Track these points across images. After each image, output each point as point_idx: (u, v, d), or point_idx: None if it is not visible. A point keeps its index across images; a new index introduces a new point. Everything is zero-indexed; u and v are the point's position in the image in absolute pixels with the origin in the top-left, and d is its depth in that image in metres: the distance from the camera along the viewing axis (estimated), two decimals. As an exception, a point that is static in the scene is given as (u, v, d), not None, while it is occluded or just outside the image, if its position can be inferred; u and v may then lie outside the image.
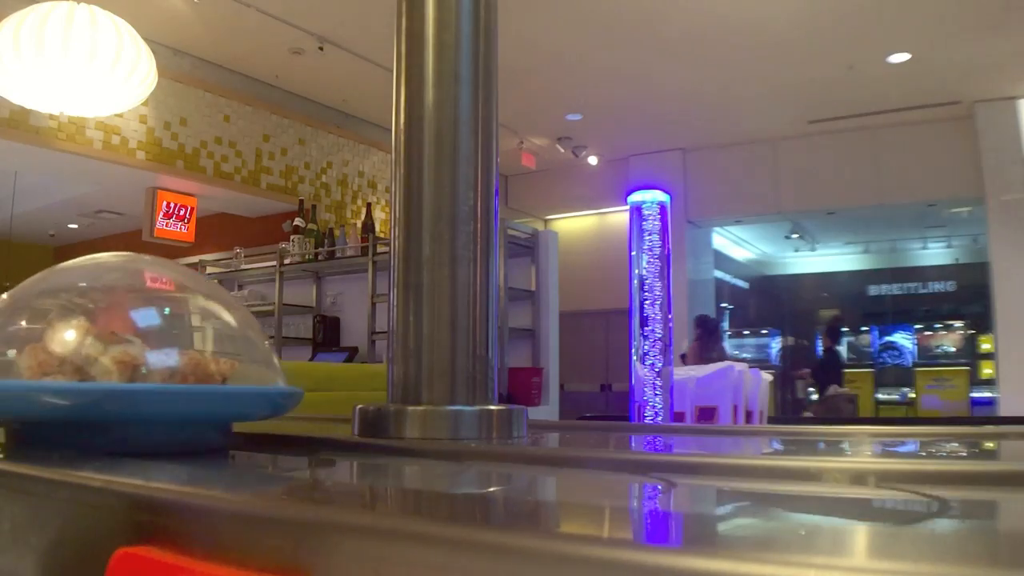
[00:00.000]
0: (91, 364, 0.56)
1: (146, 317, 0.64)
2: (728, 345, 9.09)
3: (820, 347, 8.14)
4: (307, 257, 5.04)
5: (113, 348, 0.57)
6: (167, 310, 0.66)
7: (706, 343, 5.79)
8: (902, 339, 9.04)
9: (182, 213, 5.43)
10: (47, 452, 0.54)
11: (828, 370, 7.00)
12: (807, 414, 6.66)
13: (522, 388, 4.19)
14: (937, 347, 8.81)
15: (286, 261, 5.11)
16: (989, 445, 0.74)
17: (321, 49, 5.05)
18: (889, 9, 4.61)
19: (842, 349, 7.07)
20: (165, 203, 5.33)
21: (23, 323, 0.63)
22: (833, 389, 6.74)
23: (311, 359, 4.75)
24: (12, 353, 0.59)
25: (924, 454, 0.67)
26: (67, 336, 0.57)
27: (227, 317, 0.68)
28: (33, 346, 0.57)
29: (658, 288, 2.92)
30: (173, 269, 0.71)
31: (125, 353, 0.56)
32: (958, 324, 8.77)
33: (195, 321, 0.67)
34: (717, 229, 8.24)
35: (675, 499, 0.42)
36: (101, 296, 0.65)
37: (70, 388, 0.55)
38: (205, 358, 0.60)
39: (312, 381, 2.75)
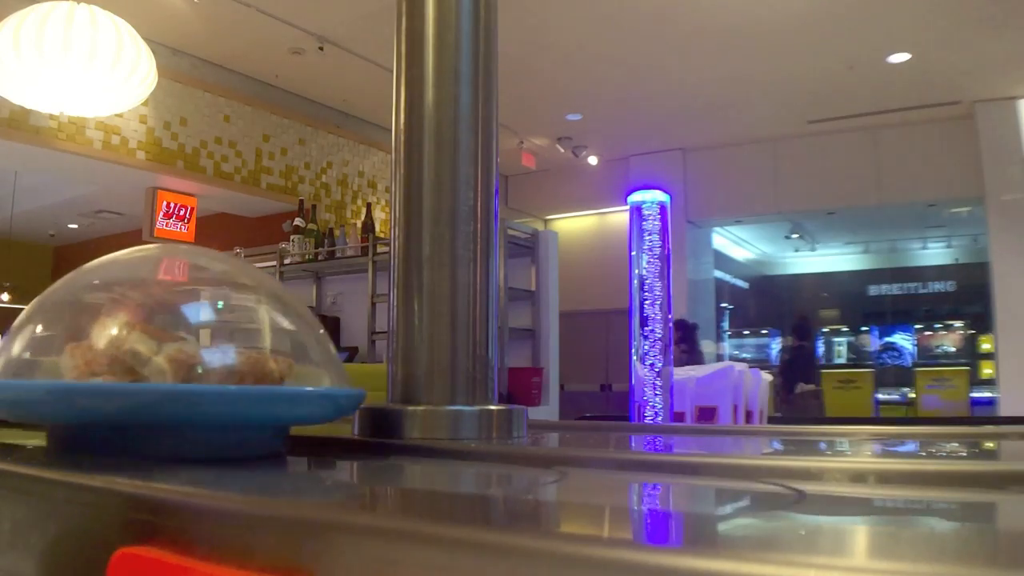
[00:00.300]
0: (143, 363, 0.51)
1: (199, 312, 0.59)
2: (728, 345, 9.09)
3: (788, 347, 8.18)
4: (307, 257, 5.04)
5: (167, 346, 0.52)
6: (220, 304, 0.61)
7: (683, 347, 5.80)
8: (902, 339, 9.04)
9: (182, 213, 5.43)
10: (91, 458, 0.51)
11: (795, 368, 7.06)
12: (776, 413, 6.71)
13: (522, 388, 4.19)
14: (937, 347, 8.80)
15: (286, 261, 5.11)
16: (989, 445, 0.74)
17: (321, 49, 5.05)
18: (889, 9, 4.61)
19: (808, 347, 7.10)
20: (165, 203, 5.33)
21: (66, 320, 0.58)
22: (800, 387, 6.79)
23: (311, 359, 4.74)
24: (33, 352, 0.56)
25: (924, 454, 0.67)
26: (116, 333, 0.53)
27: (283, 312, 0.62)
28: (78, 344, 0.53)
29: (658, 288, 2.92)
30: (224, 261, 0.66)
31: (180, 351, 0.52)
32: (958, 324, 8.77)
33: (250, 316, 0.61)
34: (717, 229, 8.24)
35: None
36: (150, 290, 0.60)
37: (126, 389, 0.50)
38: (263, 356, 0.55)
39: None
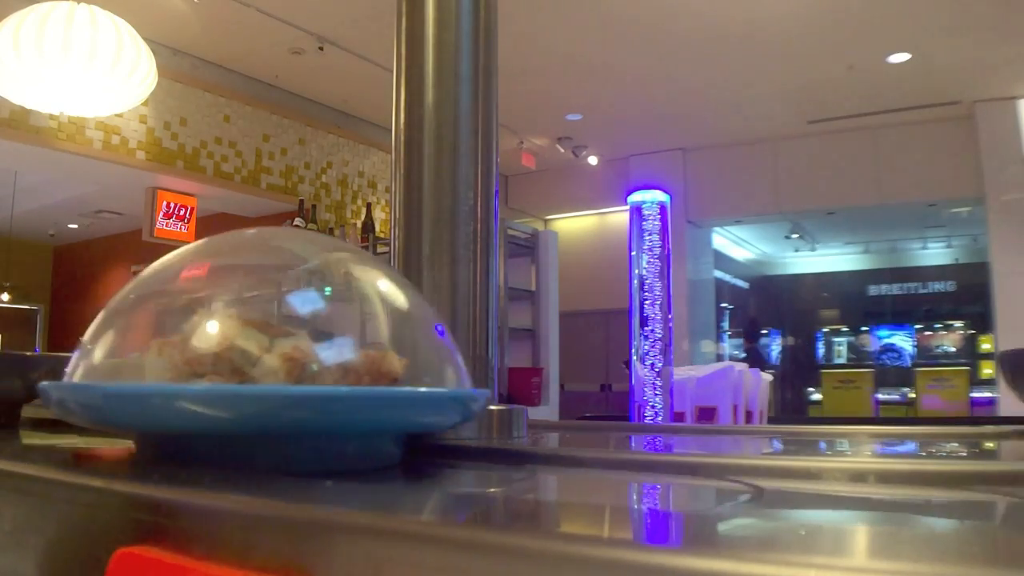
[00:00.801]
0: (252, 363, 0.44)
1: (305, 302, 0.52)
2: (728, 345, 9.10)
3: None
4: (307, 257, 5.02)
5: (279, 342, 0.45)
6: (328, 291, 0.54)
7: None
8: (902, 339, 9.05)
9: (182, 213, 5.44)
10: (186, 470, 0.44)
11: None
12: None
13: (522, 388, 4.19)
14: (937, 347, 8.81)
15: (286, 261, 5.10)
16: (989, 445, 0.74)
17: (321, 49, 5.05)
18: (889, 9, 4.61)
19: (756, 348, 7.05)
20: (165, 203, 5.34)
21: (154, 316, 0.51)
22: None
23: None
24: (120, 353, 0.49)
25: (924, 454, 0.67)
26: (218, 328, 0.45)
27: (397, 301, 0.54)
28: (167, 341, 0.46)
29: (658, 288, 2.92)
30: (331, 244, 0.58)
31: (296, 349, 0.45)
32: (958, 324, 8.78)
33: (363, 307, 0.54)
34: (717, 229, 8.25)
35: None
36: (247, 278, 0.53)
37: (253, 393, 0.43)
38: (381, 354, 0.48)
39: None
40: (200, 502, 0.35)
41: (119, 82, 3.41)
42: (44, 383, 0.48)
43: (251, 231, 0.60)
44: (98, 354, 0.49)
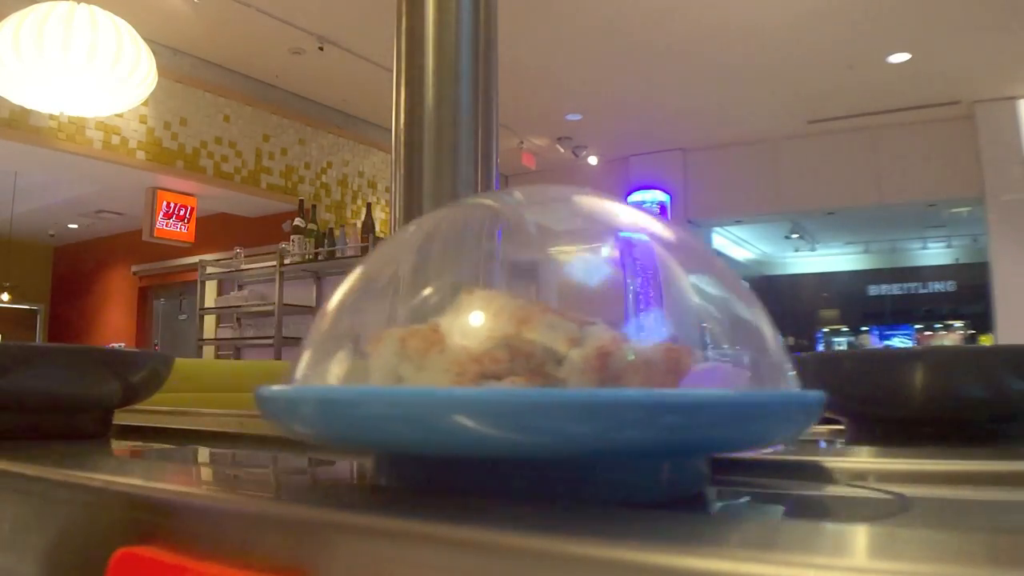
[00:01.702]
0: (556, 360, 0.33)
1: (593, 276, 0.40)
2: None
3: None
4: (307, 257, 5.04)
5: (591, 333, 0.34)
6: (611, 259, 0.41)
7: None
8: (902, 339, 9.04)
9: (182, 213, 5.44)
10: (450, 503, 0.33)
11: None
12: None
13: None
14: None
15: (286, 261, 5.11)
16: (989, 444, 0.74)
17: (321, 49, 5.05)
18: (889, 9, 4.61)
19: None
20: (165, 203, 5.34)
21: (408, 300, 0.39)
22: None
23: (311, 359, 4.74)
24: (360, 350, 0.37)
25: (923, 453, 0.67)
26: (510, 317, 0.34)
27: (708, 284, 0.41)
28: (414, 330, 0.34)
29: (658, 288, 2.91)
30: (628, 213, 0.43)
31: (614, 341, 0.34)
32: (958, 324, 8.77)
33: (662, 290, 0.40)
34: (717, 229, 8.24)
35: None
36: (528, 253, 0.42)
37: (640, 398, 0.30)
38: (676, 346, 0.36)
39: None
40: (200, 502, 0.35)
41: (119, 82, 3.41)
42: (263, 388, 0.36)
43: (507, 191, 0.46)
44: (338, 355, 0.38)
